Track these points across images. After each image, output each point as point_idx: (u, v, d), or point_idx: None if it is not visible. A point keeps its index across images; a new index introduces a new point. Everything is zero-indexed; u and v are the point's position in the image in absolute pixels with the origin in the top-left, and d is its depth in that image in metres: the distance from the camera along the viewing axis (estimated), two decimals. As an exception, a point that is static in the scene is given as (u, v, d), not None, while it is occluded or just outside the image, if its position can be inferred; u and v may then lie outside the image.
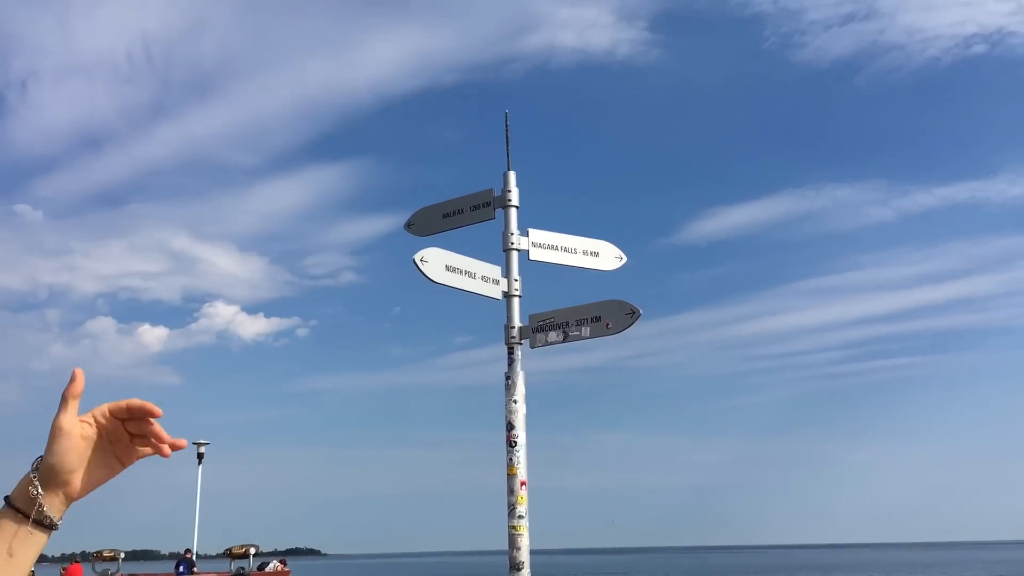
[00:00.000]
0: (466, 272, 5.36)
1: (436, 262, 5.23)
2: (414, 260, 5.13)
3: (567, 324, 5.39)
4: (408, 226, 5.87)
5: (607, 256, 5.87)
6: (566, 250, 5.73)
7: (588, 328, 5.36)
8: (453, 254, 5.35)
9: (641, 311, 5.25)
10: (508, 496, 5.15)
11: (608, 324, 5.30)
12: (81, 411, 1.24)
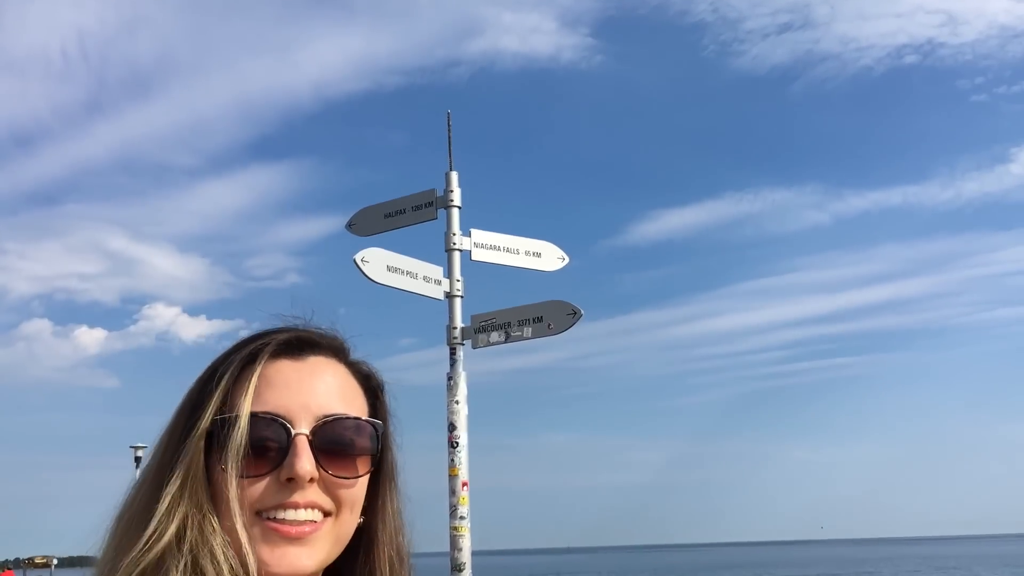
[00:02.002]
0: (408, 272, 5.33)
1: (377, 262, 5.20)
2: (355, 260, 5.09)
3: (509, 324, 5.40)
4: (350, 226, 5.82)
5: (550, 257, 5.89)
6: (508, 251, 5.74)
7: (530, 328, 5.37)
8: (394, 254, 5.32)
9: (583, 311, 5.28)
10: (449, 497, 5.14)
11: (550, 324, 5.32)
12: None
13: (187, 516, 0.97)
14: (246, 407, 1.00)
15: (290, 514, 1.00)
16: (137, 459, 33.57)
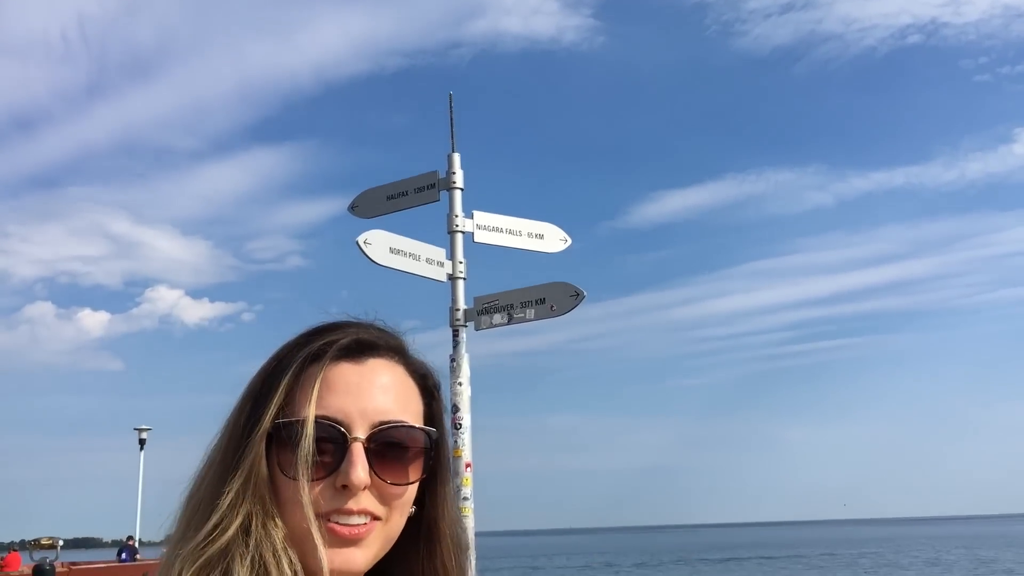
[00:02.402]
0: (410, 254, 5.33)
1: (380, 244, 5.20)
2: (357, 242, 5.09)
3: (512, 306, 5.40)
4: (352, 208, 5.82)
5: (552, 238, 5.89)
6: (511, 232, 5.73)
7: (533, 310, 5.37)
8: (397, 236, 5.32)
9: (585, 293, 5.28)
10: (453, 478, 5.16)
11: (552, 306, 5.32)
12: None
13: (251, 513, 1.03)
14: (311, 412, 1.05)
15: (343, 518, 1.05)
16: (142, 441, 33.65)
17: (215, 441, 1.11)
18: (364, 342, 1.14)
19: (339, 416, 1.07)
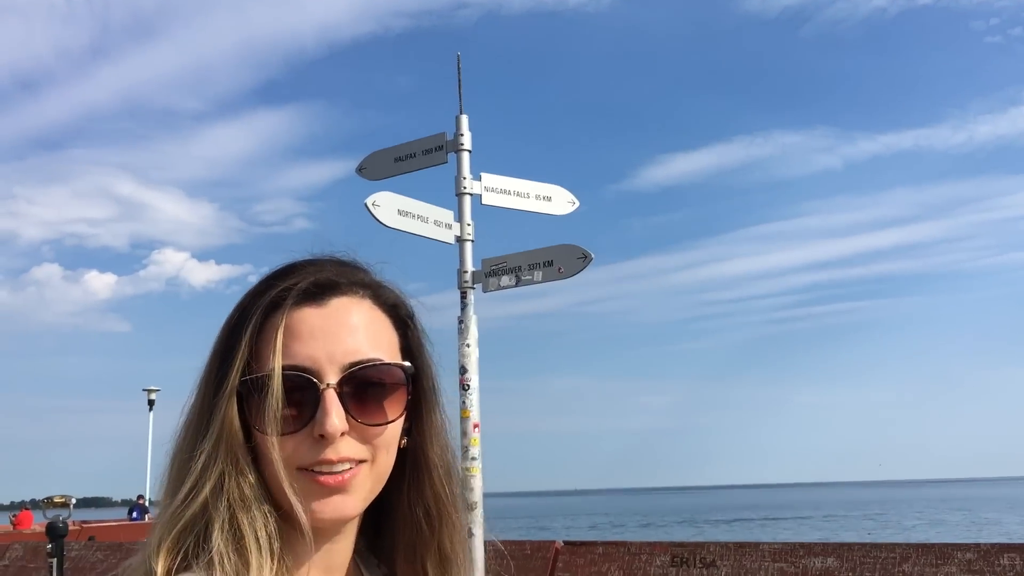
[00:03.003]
0: (419, 216, 5.33)
1: (388, 206, 5.20)
2: (366, 204, 5.09)
3: (519, 268, 5.41)
4: (360, 170, 5.81)
5: (560, 201, 5.88)
6: (519, 194, 5.72)
7: (540, 272, 5.38)
8: (405, 198, 5.31)
9: (593, 255, 5.28)
10: (461, 439, 5.20)
11: (560, 268, 5.33)
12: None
13: (223, 473, 1.01)
14: (276, 365, 1.02)
15: (326, 468, 1.03)
16: (151, 402, 33.92)
17: (189, 401, 1.08)
18: (323, 283, 1.09)
19: (307, 364, 1.04)
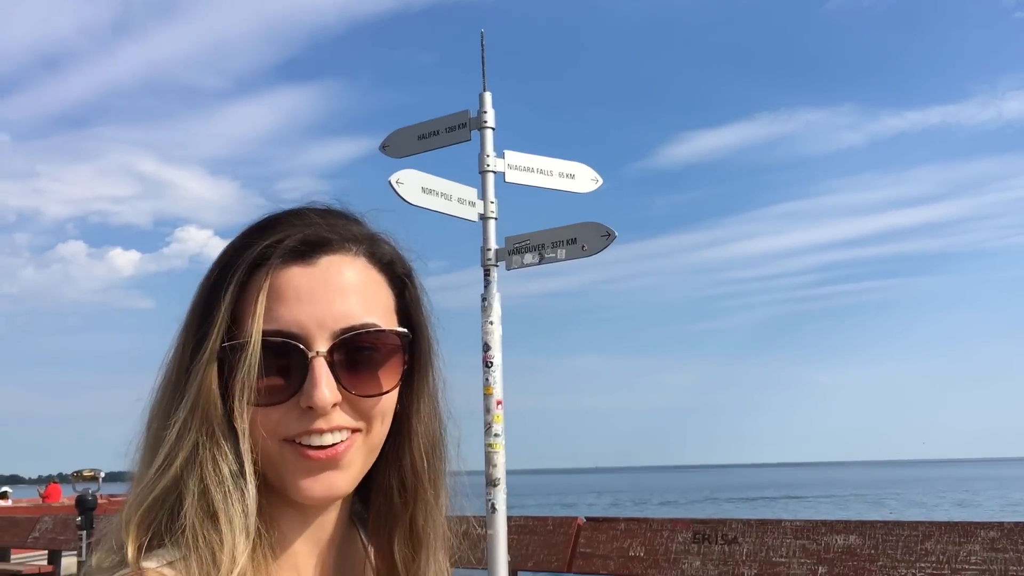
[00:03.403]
0: (442, 194, 5.34)
1: (412, 184, 5.21)
2: (390, 182, 5.11)
3: (543, 246, 5.41)
4: (383, 148, 5.82)
5: (583, 178, 5.87)
6: (542, 172, 5.71)
7: (564, 250, 5.38)
8: (429, 176, 5.32)
9: (616, 233, 5.28)
10: (484, 415, 5.24)
11: (584, 246, 5.33)
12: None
13: (197, 444, 0.92)
14: (256, 330, 0.92)
15: (315, 439, 0.95)
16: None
17: (167, 357, 0.99)
18: (313, 240, 0.98)
19: (294, 329, 0.94)
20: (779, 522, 5.39)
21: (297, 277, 0.95)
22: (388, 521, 1.09)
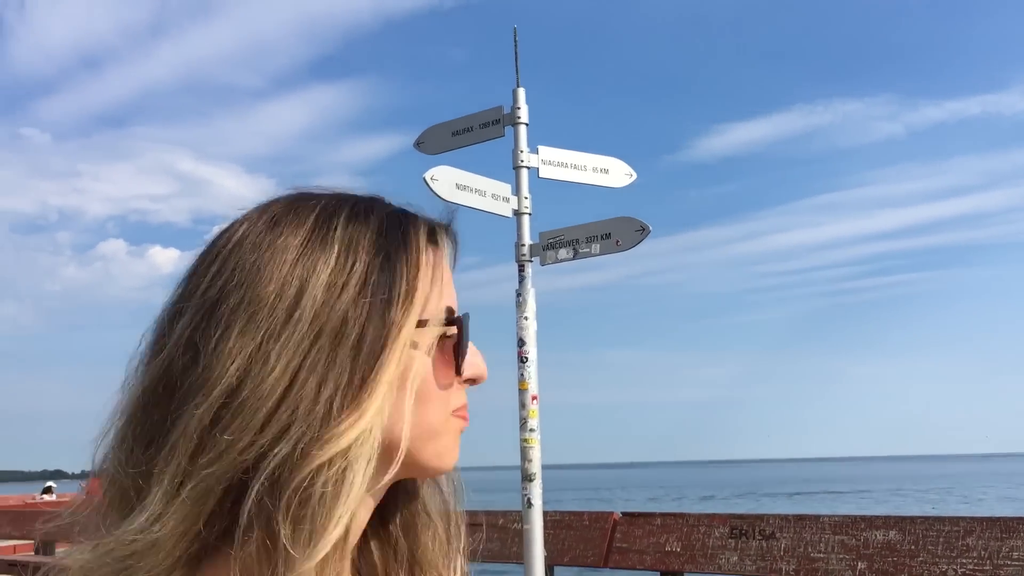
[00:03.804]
0: (476, 190, 5.35)
1: (446, 180, 5.23)
2: (424, 179, 5.13)
3: (577, 241, 5.41)
4: (417, 144, 5.84)
5: (617, 173, 5.85)
6: (576, 167, 5.71)
7: (598, 245, 5.37)
8: (463, 172, 5.33)
9: (651, 228, 5.26)
10: (520, 410, 5.25)
11: (618, 241, 5.31)
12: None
13: (381, 409, 0.83)
14: (455, 305, 0.92)
15: (464, 411, 0.94)
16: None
17: (292, 335, 0.80)
18: (438, 227, 0.99)
19: (456, 309, 0.93)
20: (817, 517, 5.35)
21: (443, 261, 0.95)
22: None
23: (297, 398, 0.79)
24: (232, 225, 0.91)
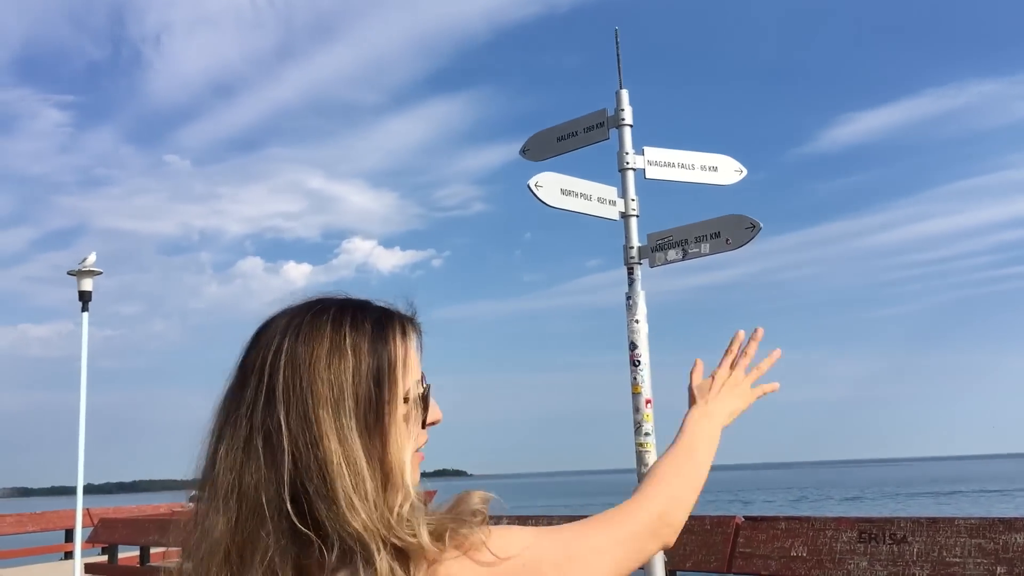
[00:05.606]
0: (582, 195, 5.34)
1: (551, 186, 5.23)
2: (528, 185, 5.15)
3: (686, 241, 5.33)
4: (523, 151, 5.87)
5: (726, 170, 5.74)
6: (683, 166, 5.63)
7: (708, 244, 5.28)
8: (568, 177, 5.33)
9: (761, 225, 5.14)
10: (634, 414, 5.20)
11: (728, 239, 5.21)
12: None
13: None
14: (420, 374, 1.34)
15: (422, 449, 1.36)
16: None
17: (344, 410, 1.24)
18: (407, 322, 1.37)
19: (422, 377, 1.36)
20: (952, 520, 5.11)
21: (411, 346, 1.35)
22: None
23: (371, 466, 1.22)
24: (272, 334, 1.31)
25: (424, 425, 1.34)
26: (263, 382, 1.25)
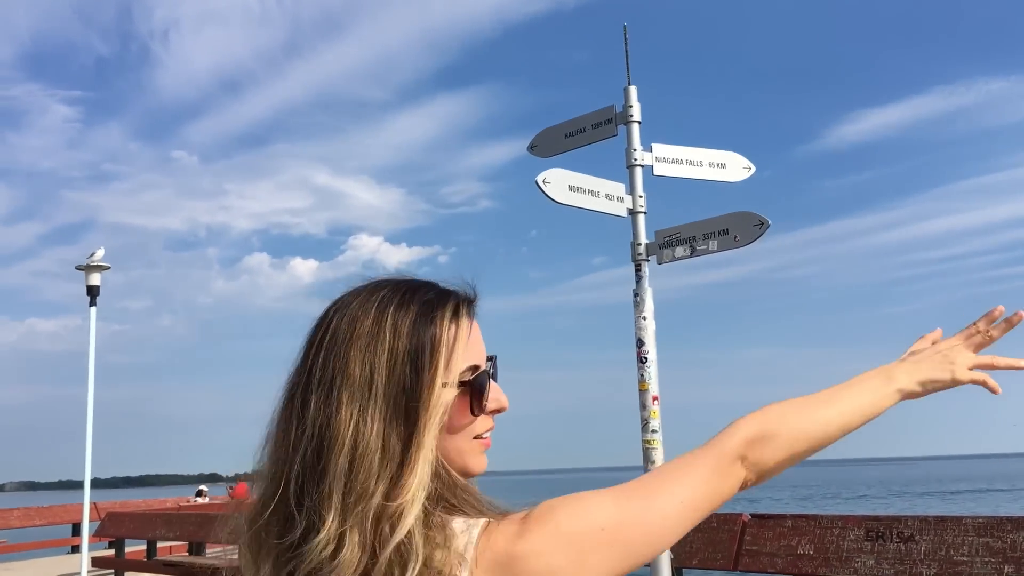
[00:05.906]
0: (589, 191, 5.33)
1: (558, 183, 5.22)
2: (536, 182, 5.14)
3: (694, 238, 5.32)
4: (531, 148, 5.86)
5: (734, 167, 5.72)
6: (691, 163, 5.61)
7: (715, 241, 5.26)
8: (575, 174, 5.32)
9: (770, 222, 5.12)
10: (641, 411, 5.19)
11: (736, 237, 5.19)
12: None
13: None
14: (479, 358, 1.30)
15: (487, 435, 1.33)
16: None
17: (373, 392, 1.22)
18: (464, 302, 1.33)
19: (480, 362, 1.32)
20: (960, 519, 5.09)
21: (463, 330, 1.30)
22: None
23: (386, 449, 1.18)
24: (328, 315, 1.30)
25: (481, 412, 1.29)
26: (307, 361, 1.26)
